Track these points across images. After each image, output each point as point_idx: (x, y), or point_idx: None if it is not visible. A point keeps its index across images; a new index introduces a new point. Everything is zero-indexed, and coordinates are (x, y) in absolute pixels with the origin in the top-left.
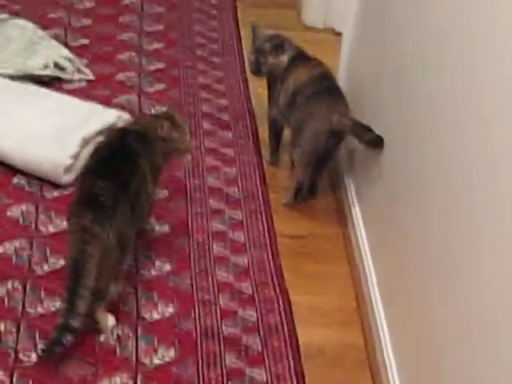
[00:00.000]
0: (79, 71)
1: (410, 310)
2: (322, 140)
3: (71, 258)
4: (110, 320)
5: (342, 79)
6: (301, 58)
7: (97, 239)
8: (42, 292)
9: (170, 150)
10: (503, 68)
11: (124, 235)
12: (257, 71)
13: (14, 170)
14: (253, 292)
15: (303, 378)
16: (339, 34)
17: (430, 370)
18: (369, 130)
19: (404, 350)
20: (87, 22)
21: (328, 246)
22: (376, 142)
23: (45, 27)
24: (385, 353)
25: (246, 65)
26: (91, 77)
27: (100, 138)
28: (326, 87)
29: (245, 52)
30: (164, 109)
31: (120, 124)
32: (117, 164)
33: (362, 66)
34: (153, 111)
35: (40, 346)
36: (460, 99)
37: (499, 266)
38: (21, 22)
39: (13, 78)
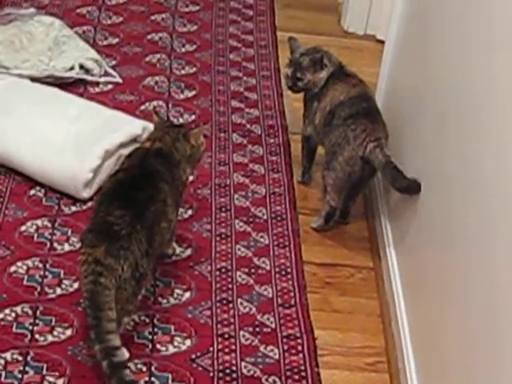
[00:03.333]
0: (106, 73)
1: (445, 358)
2: (357, 166)
3: (86, 290)
4: (123, 355)
5: (380, 90)
6: (340, 74)
7: (111, 272)
8: (54, 317)
9: (193, 164)
10: None
11: (140, 267)
12: (293, 87)
13: (31, 180)
14: (276, 327)
15: None
16: (381, 42)
17: None
18: (400, 174)
19: None
20: (118, 19)
21: (357, 277)
22: (408, 190)
23: (73, 23)
24: None
25: (282, 73)
26: (118, 79)
27: (122, 158)
28: (364, 109)
29: (281, 58)
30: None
31: (145, 135)
32: (135, 189)
33: (403, 79)
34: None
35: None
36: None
37: None
38: (47, 19)
39: (34, 79)
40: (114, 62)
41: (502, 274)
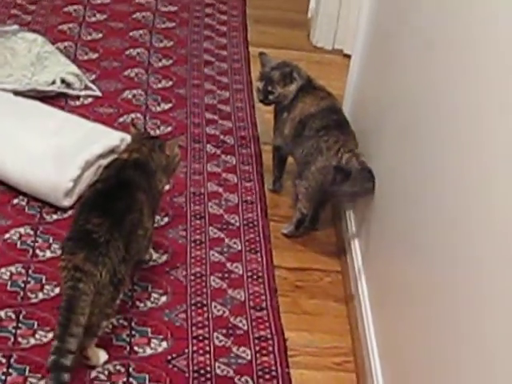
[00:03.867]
0: (86, 87)
1: (409, 359)
2: (329, 176)
3: (65, 294)
4: (102, 357)
5: (347, 102)
6: (309, 87)
7: (90, 277)
8: (36, 322)
9: (169, 174)
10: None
11: (117, 273)
12: (265, 99)
13: (15, 190)
14: (248, 329)
15: None
16: (348, 56)
17: None
18: (371, 177)
19: None
20: (97, 35)
21: (326, 280)
22: (368, 192)
23: (54, 39)
24: None
25: (254, 86)
26: (98, 93)
27: (101, 169)
28: (334, 121)
29: (253, 72)
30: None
31: (123, 146)
32: (113, 198)
33: (368, 91)
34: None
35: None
36: (465, 143)
37: (503, 313)
38: (30, 35)
39: (17, 93)
40: (93, 77)
41: (462, 276)
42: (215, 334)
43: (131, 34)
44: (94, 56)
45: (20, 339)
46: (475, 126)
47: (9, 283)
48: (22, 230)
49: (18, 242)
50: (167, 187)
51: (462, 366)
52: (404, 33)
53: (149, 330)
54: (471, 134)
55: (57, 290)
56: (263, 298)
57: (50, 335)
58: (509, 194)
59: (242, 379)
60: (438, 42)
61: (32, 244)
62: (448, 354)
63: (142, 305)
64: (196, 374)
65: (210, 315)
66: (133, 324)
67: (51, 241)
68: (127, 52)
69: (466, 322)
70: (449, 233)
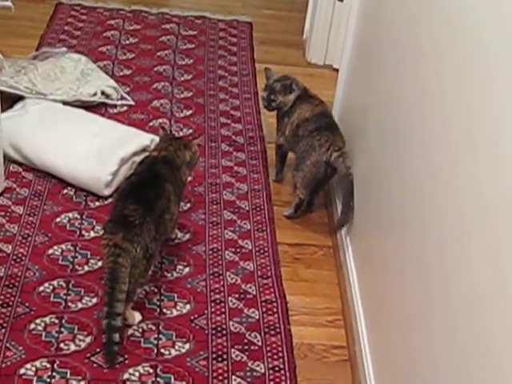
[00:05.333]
0: (122, 98)
1: (387, 315)
2: (321, 168)
3: (107, 267)
4: (137, 317)
5: (336, 108)
6: (305, 96)
7: (127, 253)
8: (82, 289)
9: (191, 168)
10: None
11: (149, 249)
12: (268, 106)
13: (65, 182)
14: (256, 293)
15: (295, 371)
16: (336, 70)
17: (401, 365)
18: (351, 186)
19: (380, 349)
20: (131, 55)
21: (319, 253)
22: (349, 194)
23: (96, 59)
24: (363, 354)
25: (259, 95)
26: (132, 102)
27: (135, 164)
28: (326, 124)
29: (258, 84)
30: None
31: (153, 146)
32: (146, 188)
33: (353, 99)
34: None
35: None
36: (434, 140)
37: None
38: (76, 56)
39: (65, 103)
40: (128, 89)
41: (430, 248)
42: (229, 298)
43: (158, 53)
44: (128, 72)
45: (70, 304)
46: (440, 125)
47: (60, 258)
48: (70, 214)
49: (68, 225)
50: (189, 179)
51: (431, 318)
52: (381, 48)
53: (175, 295)
54: (438, 132)
55: (99, 264)
56: (268, 268)
57: (95, 300)
58: (470, 180)
59: (252, 335)
60: (409, 55)
61: (79, 226)
62: (418, 305)
63: (169, 275)
64: (214, 331)
65: (225, 283)
66: (162, 291)
67: (94, 223)
68: (155, 69)
69: (433, 283)
70: (420, 213)
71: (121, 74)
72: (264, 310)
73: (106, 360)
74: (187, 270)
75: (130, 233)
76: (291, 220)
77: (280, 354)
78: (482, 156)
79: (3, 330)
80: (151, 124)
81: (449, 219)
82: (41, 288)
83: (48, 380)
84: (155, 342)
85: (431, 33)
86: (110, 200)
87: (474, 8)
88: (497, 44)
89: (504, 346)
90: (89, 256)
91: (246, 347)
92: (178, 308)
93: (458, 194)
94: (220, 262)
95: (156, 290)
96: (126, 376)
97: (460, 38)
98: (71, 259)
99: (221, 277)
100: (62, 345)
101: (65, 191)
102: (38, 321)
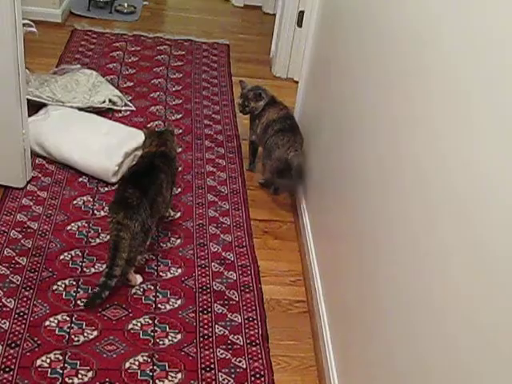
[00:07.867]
0: (126, 105)
1: (338, 274)
2: (282, 162)
3: (111, 239)
4: (138, 279)
5: (297, 113)
6: (273, 102)
7: (127, 228)
8: (95, 257)
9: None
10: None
11: (146, 224)
12: (243, 111)
13: (80, 172)
14: (234, 259)
15: (265, 321)
16: (297, 82)
17: (351, 313)
18: (298, 174)
19: (332, 302)
20: (132, 71)
21: (284, 227)
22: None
23: (104, 73)
24: (319, 306)
25: (236, 102)
26: (133, 108)
27: (137, 157)
28: (288, 125)
29: (234, 93)
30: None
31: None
32: (143, 177)
33: (310, 105)
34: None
35: (84, 298)
36: (383, 139)
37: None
38: (87, 71)
39: (80, 109)
40: (130, 97)
41: (369, 223)
42: (212, 263)
43: (154, 69)
44: (131, 84)
45: (85, 269)
46: (386, 124)
47: (76, 233)
48: (84, 198)
49: (82, 206)
50: (180, 168)
51: (376, 270)
52: (332, 64)
53: (169, 261)
54: (384, 129)
55: (108, 237)
56: (243, 239)
57: (104, 266)
58: (413, 168)
59: (231, 292)
60: (356, 66)
61: (91, 207)
62: (362, 263)
63: (164, 245)
64: (200, 290)
65: (209, 251)
66: (158, 258)
67: (104, 205)
68: (152, 81)
69: (381, 249)
70: (367, 195)
71: (124, 85)
72: (240, 272)
73: (86, 303)
74: (179, 241)
75: (129, 212)
76: (262, 200)
77: (253, 308)
78: (422, 146)
79: (31, 291)
80: (149, 125)
81: (393, 201)
82: (61, 257)
83: (68, 330)
84: (153, 298)
85: (378, 46)
86: (116, 186)
87: (416, 30)
88: (431, 49)
89: (442, 298)
90: (100, 231)
91: (226, 302)
92: (171, 271)
93: (404, 182)
94: (205, 235)
95: (154, 258)
96: (130, 326)
97: (402, 51)
98: (86, 233)
99: (205, 246)
100: (78, 302)
101: (80, 179)
102: (59, 283)
